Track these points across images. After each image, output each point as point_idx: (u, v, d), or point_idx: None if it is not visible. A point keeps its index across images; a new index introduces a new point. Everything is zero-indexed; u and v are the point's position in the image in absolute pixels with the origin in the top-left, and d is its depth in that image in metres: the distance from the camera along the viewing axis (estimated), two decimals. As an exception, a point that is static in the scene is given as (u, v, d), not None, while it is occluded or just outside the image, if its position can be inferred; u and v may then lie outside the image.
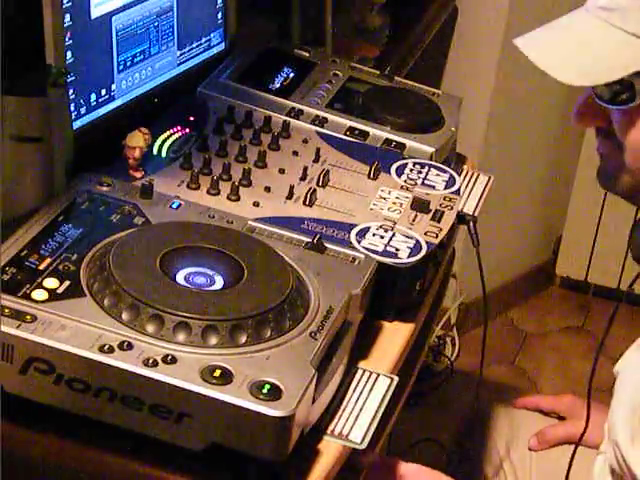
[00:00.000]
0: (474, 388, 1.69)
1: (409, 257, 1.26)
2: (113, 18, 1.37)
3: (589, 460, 1.43)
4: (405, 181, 1.41)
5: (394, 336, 1.28)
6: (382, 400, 1.14)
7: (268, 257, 1.17)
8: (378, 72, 1.67)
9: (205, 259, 1.14)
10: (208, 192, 1.32)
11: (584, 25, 1.14)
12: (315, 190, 1.34)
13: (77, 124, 1.34)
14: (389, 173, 1.42)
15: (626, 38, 1.10)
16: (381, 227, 1.31)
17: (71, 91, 1.31)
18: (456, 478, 1.37)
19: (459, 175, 1.45)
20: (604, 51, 1.12)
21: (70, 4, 1.28)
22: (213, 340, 1.04)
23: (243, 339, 1.05)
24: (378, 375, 1.18)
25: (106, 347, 1.01)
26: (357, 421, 1.11)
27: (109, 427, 1.02)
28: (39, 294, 1.06)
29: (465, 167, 1.59)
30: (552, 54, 1.15)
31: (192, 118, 1.47)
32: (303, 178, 1.38)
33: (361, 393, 1.15)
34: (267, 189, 1.34)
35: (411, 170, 1.43)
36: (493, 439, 1.63)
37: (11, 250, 1.12)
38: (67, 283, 1.08)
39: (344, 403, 1.13)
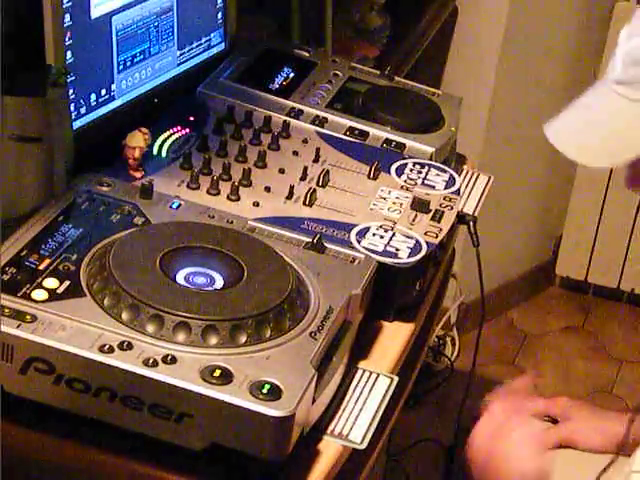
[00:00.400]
0: (470, 388, 1.70)
1: (409, 257, 1.26)
2: (113, 18, 1.37)
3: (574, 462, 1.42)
4: (405, 181, 1.41)
5: (394, 336, 1.28)
6: (382, 400, 1.14)
7: (268, 257, 1.17)
8: (378, 72, 1.67)
9: (205, 259, 1.14)
10: (208, 192, 1.32)
11: (605, 104, 1.13)
12: (315, 190, 1.34)
13: (77, 124, 1.34)
14: (389, 173, 1.42)
15: None
16: (381, 227, 1.31)
17: (71, 91, 1.31)
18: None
19: (459, 175, 1.45)
20: (630, 127, 1.10)
21: (70, 4, 1.28)
22: (213, 340, 1.04)
23: (243, 339, 1.05)
24: (378, 375, 1.18)
25: (106, 347, 1.01)
26: (357, 421, 1.11)
27: (109, 427, 1.02)
28: (39, 294, 1.06)
29: (465, 167, 1.59)
30: (582, 145, 1.14)
31: (192, 118, 1.47)
32: (303, 178, 1.38)
33: (361, 393, 1.15)
34: (267, 189, 1.34)
35: (411, 170, 1.43)
36: None
37: (11, 250, 1.12)
38: (67, 283, 1.08)
39: (344, 403, 1.13)
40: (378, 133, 1.50)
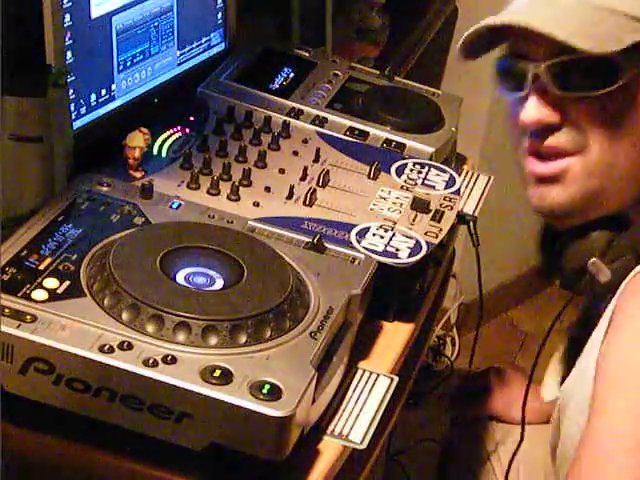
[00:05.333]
0: (469, 388, 1.70)
1: (409, 257, 1.26)
2: (113, 18, 1.37)
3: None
4: (405, 181, 1.41)
5: (394, 336, 1.28)
6: (382, 400, 1.14)
7: (268, 257, 1.17)
8: (378, 72, 1.67)
9: (205, 259, 1.14)
10: (208, 192, 1.32)
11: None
12: (315, 190, 1.34)
13: (77, 124, 1.34)
14: (389, 173, 1.42)
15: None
16: (381, 227, 1.31)
17: (71, 91, 1.31)
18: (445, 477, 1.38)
19: (459, 175, 1.45)
20: (605, 23, 1.09)
21: (70, 4, 1.27)
22: (213, 340, 1.04)
23: (243, 339, 1.05)
24: (378, 375, 1.18)
25: (106, 347, 1.01)
26: (357, 421, 1.11)
27: (109, 427, 1.02)
28: (39, 294, 1.06)
29: (465, 167, 1.59)
30: (555, 23, 1.10)
31: (192, 118, 1.47)
32: (303, 178, 1.38)
33: (361, 393, 1.15)
34: (267, 189, 1.34)
35: (411, 170, 1.43)
36: (484, 441, 1.63)
37: (11, 250, 1.12)
38: (67, 283, 1.08)
39: (344, 403, 1.13)
40: (378, 133, 1.50)
